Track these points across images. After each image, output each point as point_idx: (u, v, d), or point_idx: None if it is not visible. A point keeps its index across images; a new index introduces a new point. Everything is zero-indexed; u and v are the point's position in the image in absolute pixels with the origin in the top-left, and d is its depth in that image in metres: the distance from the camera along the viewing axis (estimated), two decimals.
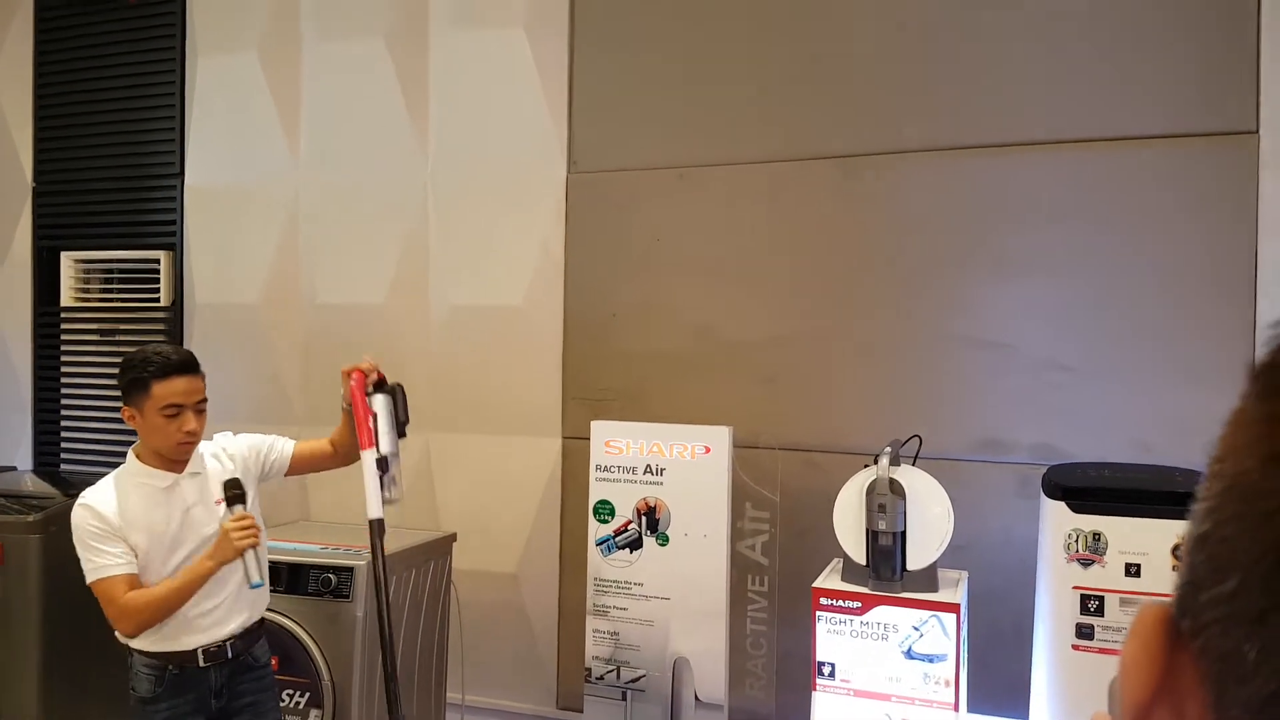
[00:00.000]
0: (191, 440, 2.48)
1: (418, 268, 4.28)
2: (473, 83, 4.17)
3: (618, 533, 3.49)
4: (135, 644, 2.50)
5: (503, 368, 4.15)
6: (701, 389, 3.77)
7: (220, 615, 2.53)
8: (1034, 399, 3.37)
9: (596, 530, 3.52)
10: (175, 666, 2.49)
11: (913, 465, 3.02)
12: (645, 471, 3.44)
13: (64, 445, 4.99)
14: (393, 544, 3.42)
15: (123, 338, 4.80)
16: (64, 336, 4.98)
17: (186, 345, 4.66)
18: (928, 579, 2.88)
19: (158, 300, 4.76)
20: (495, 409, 4.17)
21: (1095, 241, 3.30)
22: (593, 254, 3.98)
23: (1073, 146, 3.32)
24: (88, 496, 2.45)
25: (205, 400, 2.53)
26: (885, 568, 2.87)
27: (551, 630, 4.09)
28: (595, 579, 3.53)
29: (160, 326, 4.76)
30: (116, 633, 2.52)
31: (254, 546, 2.40)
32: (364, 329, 4.33)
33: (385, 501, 2.51)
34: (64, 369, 4.98)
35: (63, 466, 4.93)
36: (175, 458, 2.50)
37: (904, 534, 2.88)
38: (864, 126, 3.57)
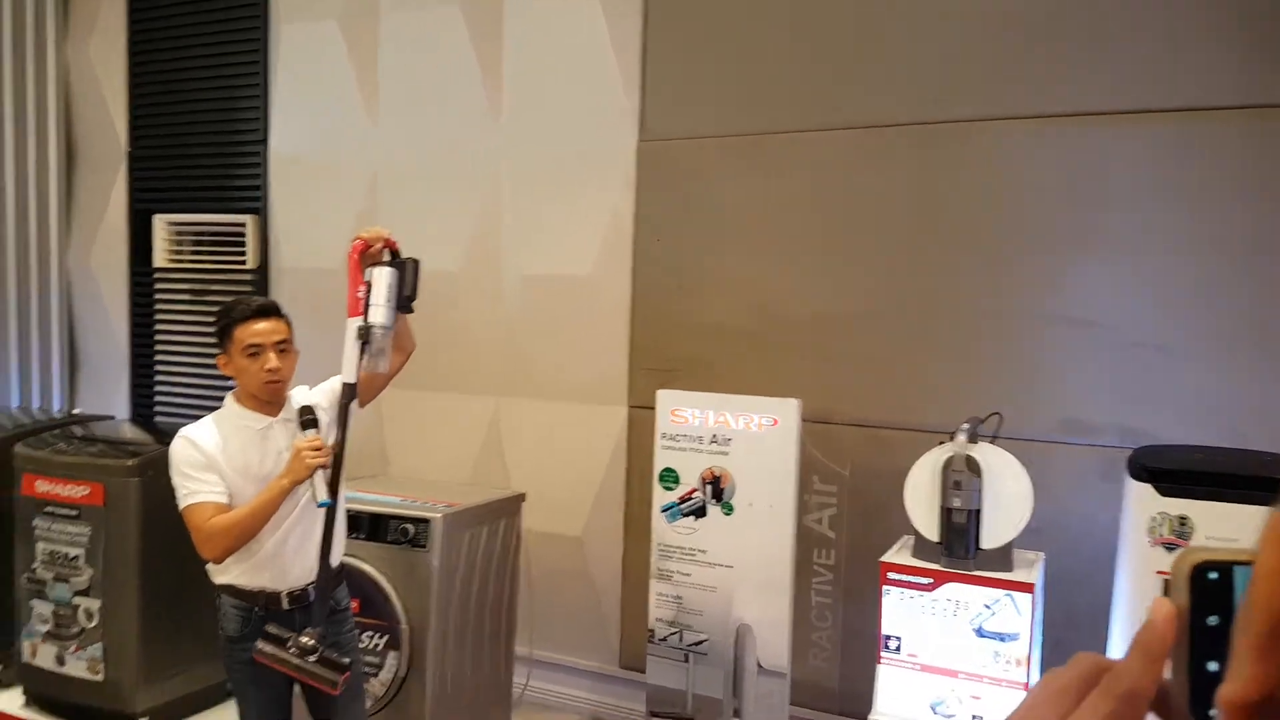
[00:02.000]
0: (274, 378, 2.57)
1: (490, 235, 4.33)
2: (546, 51, 4.17)
3: (682, 500, 3.50)
4: (223, 579, 2.61)
5: (571, 336, 4.18)
6: (769, 362, 3.73)
7: (304, 558, 2.61)
8: (1121, 380, 3.25)
9: (661, 497, 3.53)
10: (261, 608, 2.59)
11: (991, 443, 2.94)
12: (711, 441, 3.43)
13: (157, 397, 5.21)
14: (466, 498, 3.52)
15: (212, 298, 4.97)
16: (157, 296, 5.18)
17: None
18: (1002, 558, 2.81)
19: (244, 263, 4.91)
20: (563, 377, 4.20)
21: (1192, 218, 3.14)
22: (662, 223, 3.95)
23: (1171, 116, 3.16)
24: (187, 430, 2.58)
25: (286, 341, 2.62)
26: (958, 545, 2.82)
27: (615, 592, 4.13)
28: (659, 544, 3.54)
29: (247, 289, 4.91)
30: (208, 569, 2.63)
31: (324, 467, 2.47)
32: (438, 295, 4.38)
33: (365, 370, 2.55)
34: (158, 326, 5.19)
35: (156, 417, 5.15)
36: (264, 398, 2.60)
37: (979, 512, 2.82)
38: (945, 93, 3.45)
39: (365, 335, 2.52)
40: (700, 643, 3.48)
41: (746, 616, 3.39)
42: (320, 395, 2.74)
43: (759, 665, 3.38)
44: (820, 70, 3.66)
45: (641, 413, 4.00)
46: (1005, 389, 3.31)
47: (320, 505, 2.51)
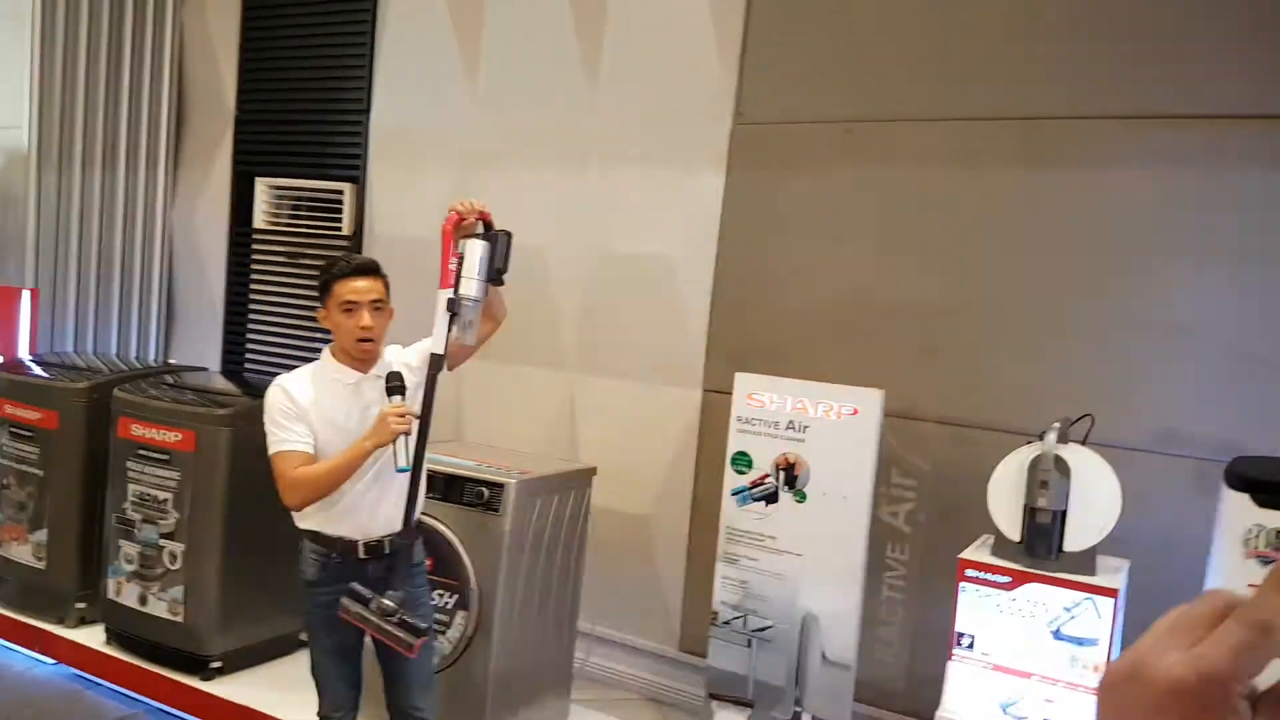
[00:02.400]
0: (366, 335, 2.63)
1: (577, 212, 4.36)
2: (647, 31, 4.18)
3: (754, 485, 3.48)
4: (306, 525, 2.69)
5: (650, 317, 4.19)
6: (851, 353, 3.69)
7: (383, 511, 2.68)
8: (1220, 391, 3.14)
9: (733, 480, 3.52)
10: (338, 555, 2.66)
11: (1081, 445, 2.86)
12: (787, 427, 3.41)
13: (248, 352, 5.39)
14: (539, 467, 3.55)
15: (307, 261, 5.12)
16: (254, 255, 5.35)
17: None
18: (1085, 562, 2.74)
19: (340, 229, 5.03)
20: (640, 356, 4.22)
21: None
22: (750, 208, 3.93)
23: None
24: (283, 379, 2.68)
25: (382, 300, 2.68)
26: (1041, 546, 2.75)
27: (679, 574, 4.13)
28: (728, 527, 3.53)
29: (342, 254, 5.04)
30: (293, 515, 2.71)
31: (406, 433, 2.52)
32: (525, 269, 4.43)
33: (454, 341, 2.56)
34: (253, 284, 5.36)
35: (246, 371, 5.33)
36: (356, 354, 2.66)
37: (1064, 514, 2.75)
38: (1050, 89, 3.37)
39: (454, 307, 2.55)
40: (764, 629, 3.46)
41: (813, 606, 3.37)
42: (413, 355, 2.79)
43: (824, 656, 3.35)
44: (924, 59, 3.60)
45: (716, 397, 3.99)
46: (1098, 394, 3.22)
47: (399, 470, 2.57)
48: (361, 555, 2.67)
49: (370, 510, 2.67)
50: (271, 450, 2.62)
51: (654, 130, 4.16)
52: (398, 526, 2.69)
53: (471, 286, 2.56)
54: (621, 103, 4.25)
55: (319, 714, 2.80)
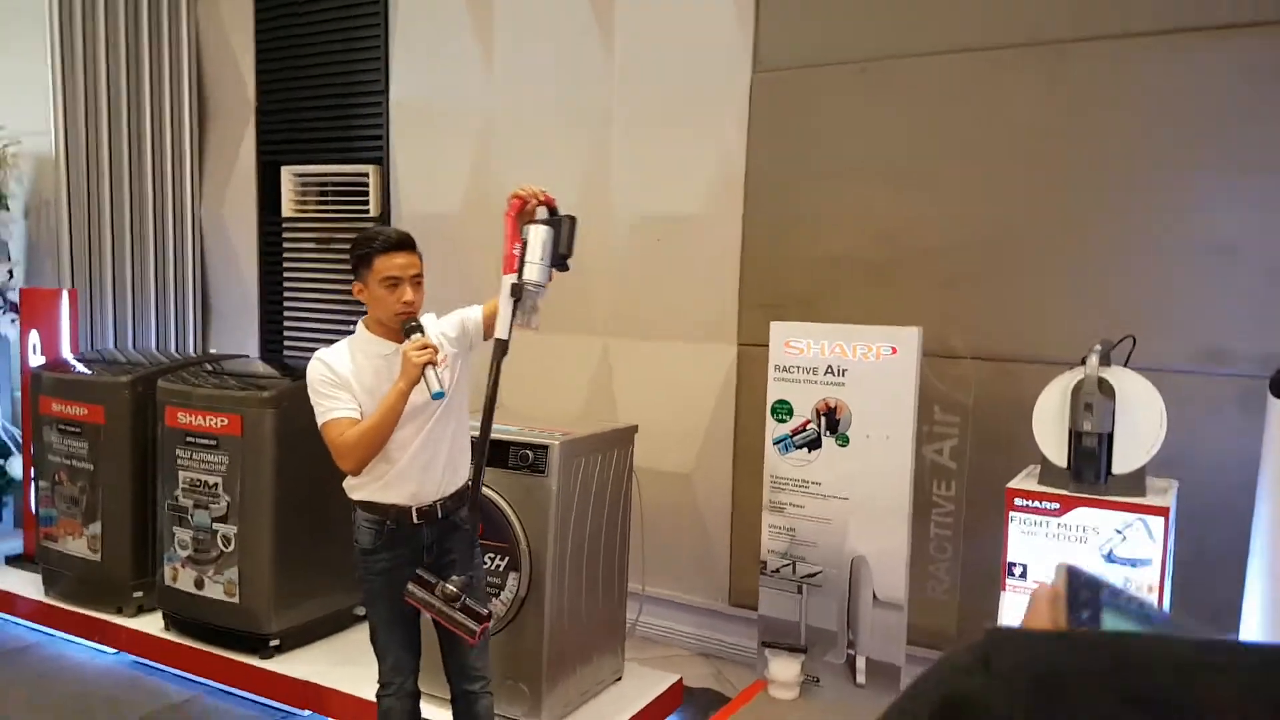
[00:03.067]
0: (408, 310, 2.66)
1: (601, 177, 4.37)
2: None
3: (795, 432, 3.49)
4: (359, 496, 2.73)
5: (680, 275, 4.19)
6: (885, 296, 3.68)
7: (433, 476, 2.71)
8: (1263, 307, 3.10)
9: (774, 429, 3.53)
10: (392, 521, 2.70)
11: (1124, 368, 2.85)
12: (826, 372, 3.41)
13: (286, 337, 5.46)
14: (580, 428, 3.57)
15: (337, 246, 5.16)
16: (285, 243, 5.40)
17: None
18: (1134, 483, 2.73)
19: (367, 211, 5.07)
20: (672, 316, 4.23)
21: None
22: (775, 157, 3.92)
23: None
24: (321, 353, 2.71)
25: (420, 275, 2.70)
26: (1088, 470, 2.74)
27: (724, 529, 4.15)
28: (772, 476, 3.54)
29: None
30: (344, 484, 2.74)
31: (431, 362, 2.55)
32: None
33: (521, 326, 2.58)
34: (285, 272, 5.42)
35: (285, 355, 5.40)
36: (394, 326, 2.69)
37: (1111, 436, 2.74)
38: (1074, 9, 3.33)
39: (518, 292, 2.57)
40: (814, 574, 3.48)
41: (862, 548, 3.38)
42: (449, 325, 2.82)
43: (875, 597, 3.36)
44: None
45: (751, 350, 4.00)
46: (1138, 318, 3.19)
47: (434, 397, 2.57)
48: (415, 520, 2.71)
49: (419, 476, 2.71)
50: (320, 421, 2.65)
51: (673, 87, 4.15)
52: (448, 490, 2.73)
53: (535, 271, 2.58)
54: (639, 63, 4.24)
55: (380, 680, 2.83)
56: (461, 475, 2.83)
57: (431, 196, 4.85)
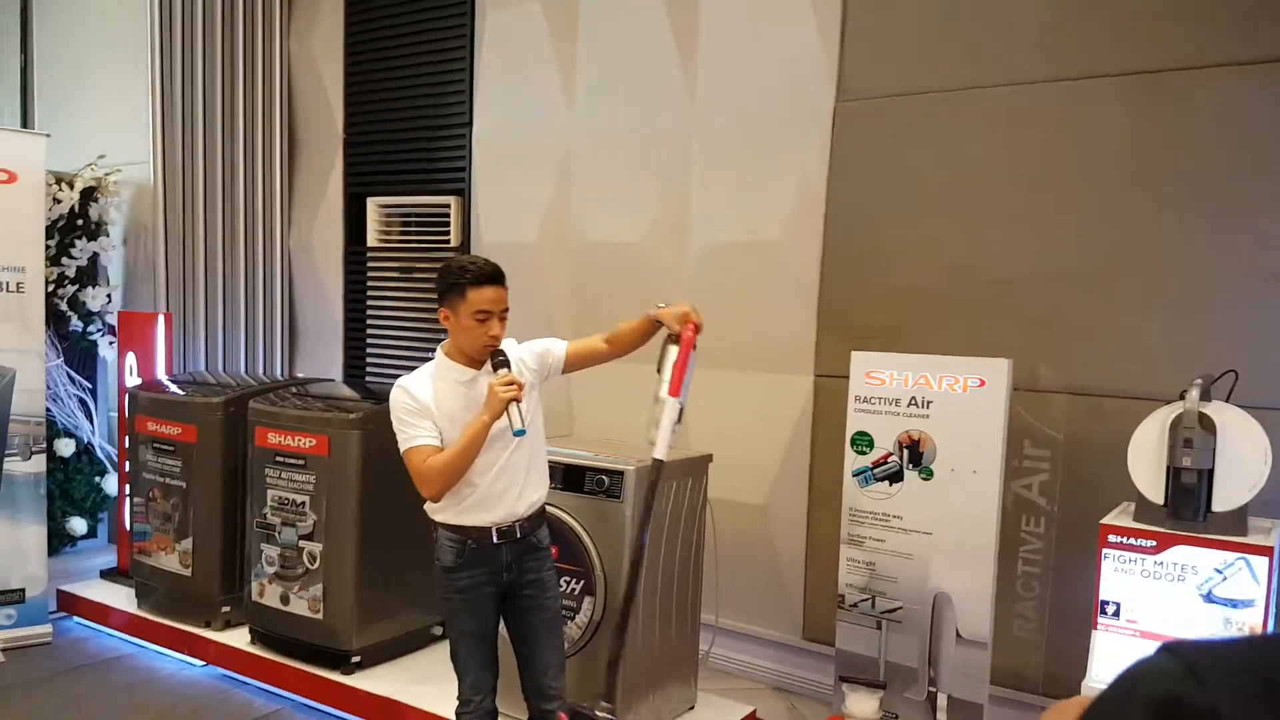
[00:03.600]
0: (494, 343, 2.72)
1: (679, 205, 4.40)
2: (743, 17, 4.20)
3: (876, 465, 3.45)
4: (440, 518, 2.79)
5: (757, 304, 4.19)
6: (970, 328, 3.63)
7: (511, 497, 2.77)
8: None
9: (854, 461, 3.50)
10: (473, 541, 2.76)
11: (1226, 402, 2.77)
12: (909, 404, 3.37)
13: (369, 362, 5.61)
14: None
15: (418, 275, 5.29)
16: (369, 272, 5.56)
17: None
18: (1235, 522, 2.64)
19: (448, 241, 5.19)
20: (748, 346, 4.22)
21: None
22: (856, 186, 3.90)
23: None
24: (404, 381, 2.77)
25: (508, 310, 2.76)
26: (1186, 507, 2.67)
27: (799, 562, 4.12)
28: (850, 509, 3.51)
29: None
30: (425, 507, 2.80)
31: (516, 400, 2.61)
32: (627, 265, 4.52)
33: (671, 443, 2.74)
34: (369, 299, 5.57)
35: (367, 379, 5.53)
36: (478, 357, 2.75)
37: (1211, 473, 2.66)
38: (1161, 40, 3.27)
39: (680, 416, 2.78)
40: (894, 610, 3.43)
41: (945, 585, 3.32)
42: (529, 354, 2.88)
43: (958, 634, 3.30)
44: (1027, 21, 3.54)
45: (829, 382, 3.97)
46: (1238, 355, 3.09)
47: (516, 434, 2.64)
48: (495, 541, 2.76)
49: (499, 499, 2.75)
50: (402, 448, 2.72)
51: (755, 115, 4.17)
52: (528, 511, 2.79)
53: (685, 395, 2.80)
54: (720, 91, 4.27)
55: (459, 698, 2.86)
56: (539, 495, 2.88)
57: (510, 227, 4.94)
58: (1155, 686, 0.46)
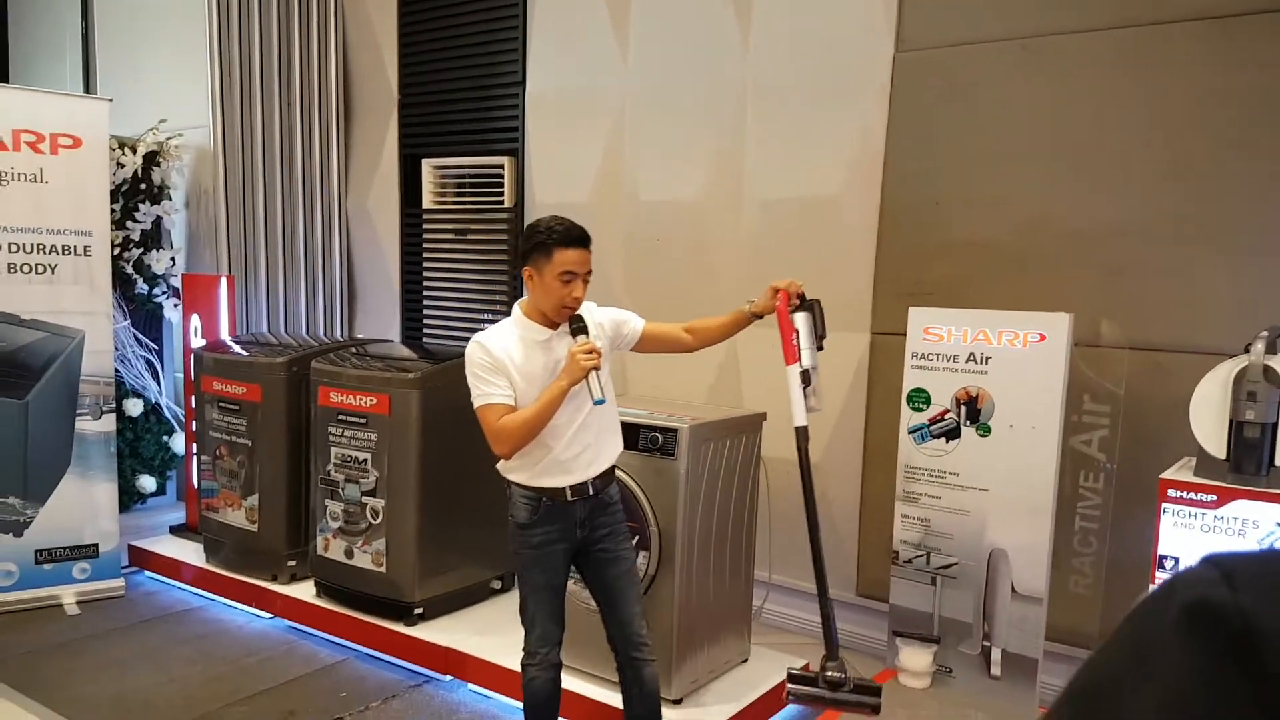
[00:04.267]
0: (575, 306, 2.74)
1: (734, 162, 4.38)
2: None
3: (933, 421, 3.46)
4: (516, 478, 2.84)
5: (813, 261, 4.17)
6: (1033, 282, 3.58)
7: (585, 459, 2.81)
8: None
9: (910, 418, 3.50)
10: (548, 499, 2.81)
11: None
12: (967, 360, 3.36)
13: (425, 322, 5.70)
14: (710, 414, 3.62)
15: (473, 236, 5.34)
16: (425, 234, 5.63)
17: None
18: None
19: (502, 202, 5.23)
20: None
21: None
22: (916, 139, 3.85)
23: None
24: (481, 337, 2.80)
25: (591, 272, 2.76)
26: (1249, 461, 2.64)
27: (853, 520, 4.13)
28: (906, 466, 3.52)
29: (504, 227, 5.24)
30: (499, 465, 2.87)
31: (596, 369, 2.64)
32: (681, 224, 4.52)
33: (809, 410, 2.76)
34: (425, 261, 5.65)
35: (424, 339, 5.63)
36: (557, 319, 2.78)
37: (1275, 426, 2.63)
38: None
39: (809, 379, 2.79)
40: (949, 566, 3.44)
41: (1001, 541, 3.32)
42: (608, 319, 2.90)
43: (1013, 590, 3.31)
44: None
45: (885, 339, 3.96)
46: None
47: (596, 403, 2.67)
48: (569, 499, 2.80)
49: (572, 464, 2.79)
50: (476, 405, 2.76)
51: (811, 68, 4.12)
52: (600, 470, 2.83)
53: (809, 357, 2.82)
54: (775, 44, 4.23)
55: (525, 649, 2.91)
56: (612, 454, 2.91)
57: (564, 186, 4.96)
58: (1191, 590, 0.46)
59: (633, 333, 2.94)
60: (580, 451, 2.79)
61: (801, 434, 2.67)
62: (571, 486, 2.79)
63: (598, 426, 2.81)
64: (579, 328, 2.71)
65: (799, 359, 2.69)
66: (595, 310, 2.90)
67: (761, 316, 2.92)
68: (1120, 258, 3.41)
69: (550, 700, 2.94)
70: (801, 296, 2.80)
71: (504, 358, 2.73)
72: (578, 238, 2.70)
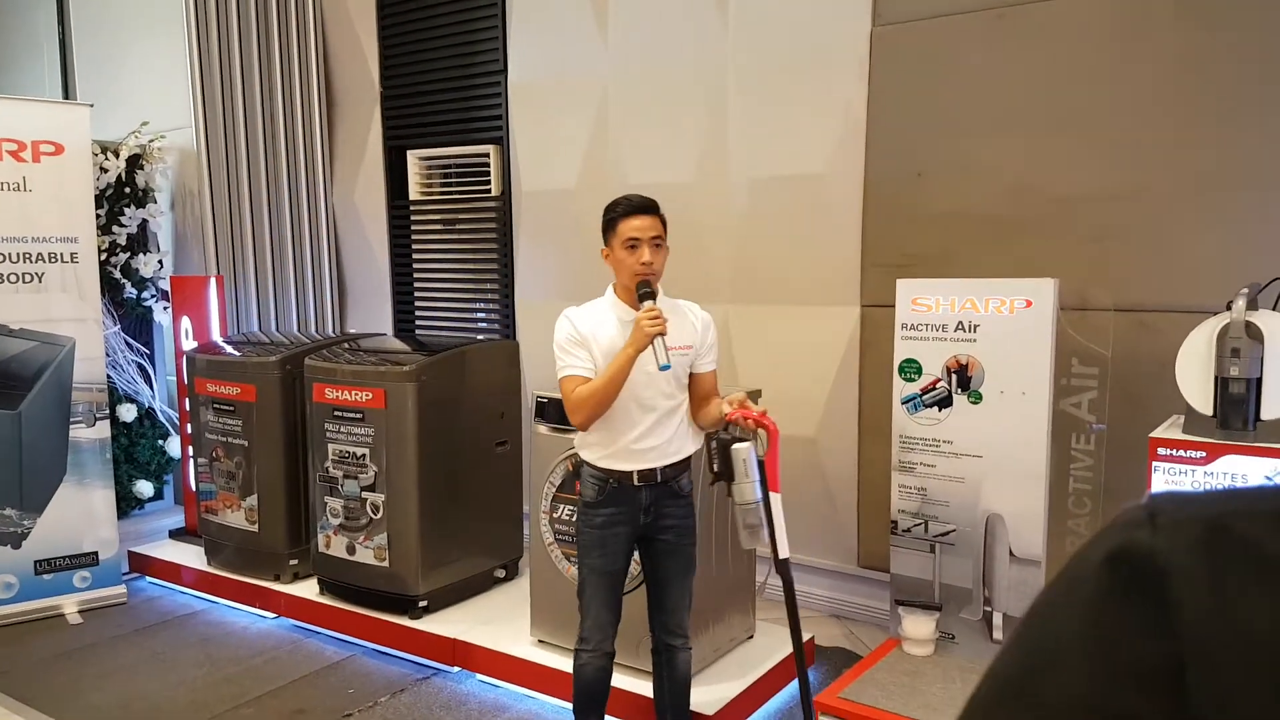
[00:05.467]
0: (646, 270, 2.74)
1: (717, 142, 4.40)
2: None
3: (925, 391, 3.48)
4: (587, 456, 2.88)
5: (800, 238, 4.20)
6: (1018, 251, 3.62)
7: (656, 454, 2.82)
8: None
9: (902, 389, 3.53)
10: (615, 481, 2.83)
11: (1273, 310, 2.77)
12: (956, 329, 3.39)
13: (417, 315, 5.71)
14: None
15: (462, 226, 5.34)
16: (413, 226, 5.63)
17: (515, 231, 5.13)
18: None
19: (489, 191, 5.23)
20: (793, 280, 4.24)
21: None
22: (897, 111, 3.87)
23: None
24: (569, 312, 2.85)
25: (660, 238, 2.78)
26: (1235, 417, 2.68)
27: (851, 492, 4.17)
28: (901, 436, 3.54)
29: (492, 215, 5.24)
30: (575, 441, 2.93)
31: (661, 334, 2.64)
32: (668, 206, 4.49)
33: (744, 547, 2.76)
34: (414, 253, 5.65)
35: (417, 331, 5.64)
36: (634, 290, 2.76)
37: (1259, 381, 2.67)
38: None
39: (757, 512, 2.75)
40: (948, 533, 3.48)
41: (997, 506, 3.36)
42: (697, 318, 2.90)
43: (1011, 554, 3.35)
44: None
45: (874, 311, 3.99)
46: None
47: (661, 369, 2.67)
48: (636, 483, 2.82)
49: (644, 455, 2.81)
50: (559, 376, 2.81)
51: (790, 47, 4.13)
52: (672, 460, 2.84)
53: (753, 490, 2.70)
54: (754, 21, 4.23)
55: (579, 635, 2.92)
56: (688, 448, 2.91)
57: (550, 174, 4.97)
58: (1118, 534, 0.47)
59: (699, 368, 2.91)
60: (656, 444, 2.81)
61: (785, 565, 2.66)
62: (639, 471, 2.81)
63: (676, 425, 2.83)
64: (646, 293, 2.72)
65: (755, 488, 2.64)
66: (702, 313, 2.94)
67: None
68: (1103, 222, 3.44)
69: (599, 687, 2.96)
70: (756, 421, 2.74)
71: (588, 332, 2.78)
72: (639, 206, 2.76)
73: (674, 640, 2.94)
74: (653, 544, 2.87)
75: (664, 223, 2.80)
